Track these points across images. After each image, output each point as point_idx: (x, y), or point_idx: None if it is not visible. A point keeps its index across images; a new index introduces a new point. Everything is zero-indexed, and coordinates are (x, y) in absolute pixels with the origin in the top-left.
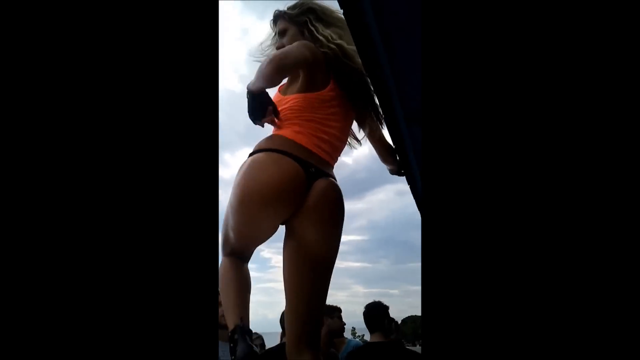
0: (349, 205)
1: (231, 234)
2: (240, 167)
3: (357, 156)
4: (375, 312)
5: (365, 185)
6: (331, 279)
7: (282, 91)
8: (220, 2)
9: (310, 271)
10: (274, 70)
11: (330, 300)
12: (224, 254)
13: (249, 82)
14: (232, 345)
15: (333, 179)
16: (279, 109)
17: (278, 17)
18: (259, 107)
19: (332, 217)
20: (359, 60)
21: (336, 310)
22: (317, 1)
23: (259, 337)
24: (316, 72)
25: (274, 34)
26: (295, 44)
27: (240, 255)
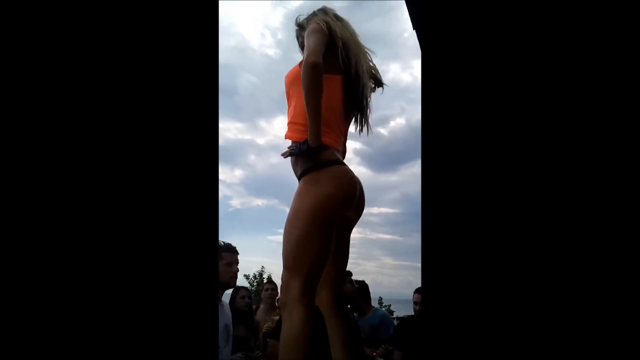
0: (383, 178)
1: (308, 257)
2: (306, 185)
3: (393, 128)
4: None
5: (400, 158)
6: (360, 249)
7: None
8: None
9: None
10: (310, 77)
11: (359, 269)
12: (298, 296)
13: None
14: None
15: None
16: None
17: (299, 27)
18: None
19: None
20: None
21: (346, 275)
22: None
23: None
24: (327, 49)
25: (298, 41)
26: (306, 40)
27: (317, 286)
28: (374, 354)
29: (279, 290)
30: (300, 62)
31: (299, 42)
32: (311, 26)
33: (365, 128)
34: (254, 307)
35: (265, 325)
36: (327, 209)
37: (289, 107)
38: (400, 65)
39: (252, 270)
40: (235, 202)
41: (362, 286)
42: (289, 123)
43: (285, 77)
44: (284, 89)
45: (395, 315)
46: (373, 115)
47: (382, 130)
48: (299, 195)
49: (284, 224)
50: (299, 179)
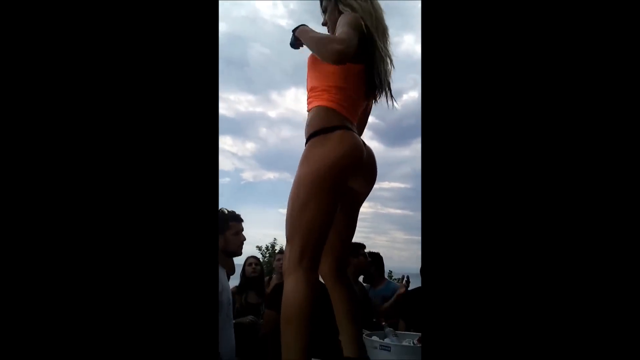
0: (394, 152)
1: (306, 225)
2: (310, 149)
3: (406, 101)
4: None
5: (413, 132)
6: (371, 224)
7: None
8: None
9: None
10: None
11: (369, 243)
12: (295, 262)
13: (301, 26)
14: None
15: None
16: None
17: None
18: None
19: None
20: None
21: (360, 247)
22: None
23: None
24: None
25: (322, 13)
26: (342, 26)
27: (318, 252)
28: (383, 323)
29: None
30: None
31: (322, 4)
32: (351, 17)
33: (388, 101)
34: (266, 278)
35: None
36: (330, 173)
37: (308, 80)
38: (413, 36)
39: (265, 242)
40: (247, 175)
41: (376, 258)
42: (309, 96)
43: (308, 58)
44: (296, 62)
45: None
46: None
47: (395, 104)
48: (303, 160)
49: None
50: (305, 145)
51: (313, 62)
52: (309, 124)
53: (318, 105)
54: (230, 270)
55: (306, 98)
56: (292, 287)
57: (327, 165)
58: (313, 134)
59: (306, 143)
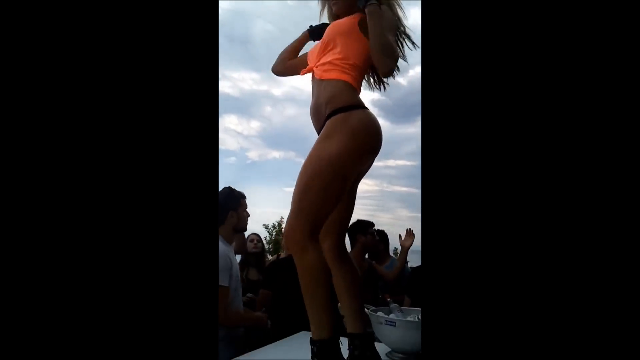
0: (400, 129)
1: (319, 203)
2: (336, 127)
3: (412, 77)
4: None
5: (418, 109)
6: (377, 202)
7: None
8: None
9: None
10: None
11: (375, 221)
12: (307, 235)
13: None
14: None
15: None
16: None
17: None
18: None
19: None
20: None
21: (369, 226)
22: None
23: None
24: None
25: None
26: (389, 27)
27: (319, 228)
28: (388, 299)
29: None
30: (356, 18)
31: None
32: (393, 23)
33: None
34: (274, 256)
35: None
36: (352, 159)
37: (325, 52)
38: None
39: (271, 221)
40: (252, 154)
41: (382, 235)
42: (328, 62)
43: (334, 26)
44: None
45: (409, 265)
46: None
47: (401, 80)
48: (330, 135)
49: (304, 162)
50: (325, 119)
51: (352, 32)
52: (333, 97)
53: (344, 81)
54: (241, 247)
55: (323, 56)
56: (314, 262)
57: (351, 151)
58: (341, 109)
59: (328, 116)
